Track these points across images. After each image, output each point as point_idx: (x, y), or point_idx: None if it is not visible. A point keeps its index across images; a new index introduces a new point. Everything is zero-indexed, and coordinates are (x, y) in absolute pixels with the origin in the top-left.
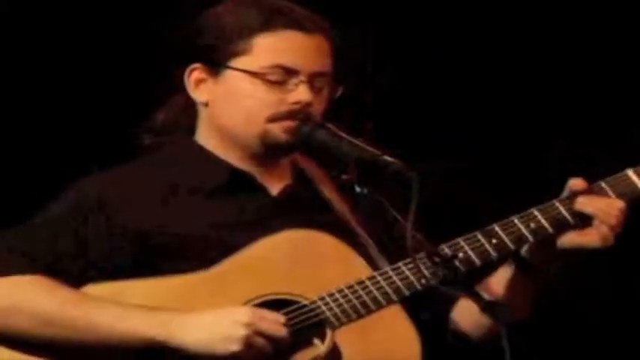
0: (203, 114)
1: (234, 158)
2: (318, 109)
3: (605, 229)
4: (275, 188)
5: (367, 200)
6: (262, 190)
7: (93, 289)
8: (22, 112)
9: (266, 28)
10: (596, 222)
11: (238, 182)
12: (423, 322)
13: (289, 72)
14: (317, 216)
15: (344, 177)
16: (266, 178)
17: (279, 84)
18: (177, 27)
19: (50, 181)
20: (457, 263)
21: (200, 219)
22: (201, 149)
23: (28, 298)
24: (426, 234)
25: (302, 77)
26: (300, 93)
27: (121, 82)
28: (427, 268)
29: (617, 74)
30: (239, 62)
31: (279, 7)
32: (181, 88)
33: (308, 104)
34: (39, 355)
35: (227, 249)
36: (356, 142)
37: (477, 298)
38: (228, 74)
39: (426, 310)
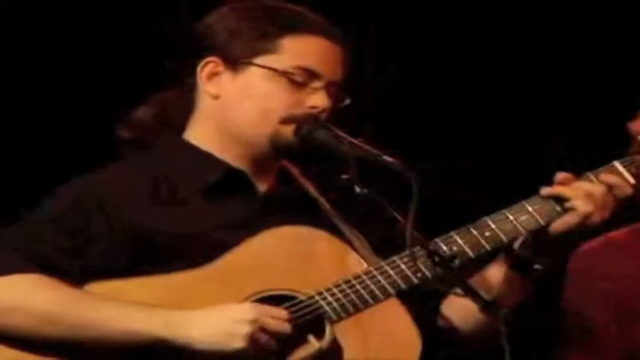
0: (205, 109)
1: (229, 156)
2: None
3: (580, 207)
4: (262, 187)
5: (366, 200)
6: (253, 188)
7: (94, 287)
8: (22, 111)
9: (294, 30)
10: (572, 202)
11: (232, 181)
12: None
13: (312, 75)
14: (305, 214)
15: (344, 177)
16: (256, 177)
17: (300, 86)
18: (190, 21)
19: (49, 180)
20: (456, 262)
21: (195, 218)
22: (195, 148)
23: (29, 296)
24: (425, 233)
25: (322, 83)
26: (319, 98)
27: (124, 81)
28: (423, 262)
29: (616, 73)
30: (263, 60)
31: (305, 12)
32: (172, 85)
33: (324, 110)
34: (40, 355)
35: (222, 248)
36: (356, 142)
37: (476, 297)
38: (249, 70)
39: (417, 306)
